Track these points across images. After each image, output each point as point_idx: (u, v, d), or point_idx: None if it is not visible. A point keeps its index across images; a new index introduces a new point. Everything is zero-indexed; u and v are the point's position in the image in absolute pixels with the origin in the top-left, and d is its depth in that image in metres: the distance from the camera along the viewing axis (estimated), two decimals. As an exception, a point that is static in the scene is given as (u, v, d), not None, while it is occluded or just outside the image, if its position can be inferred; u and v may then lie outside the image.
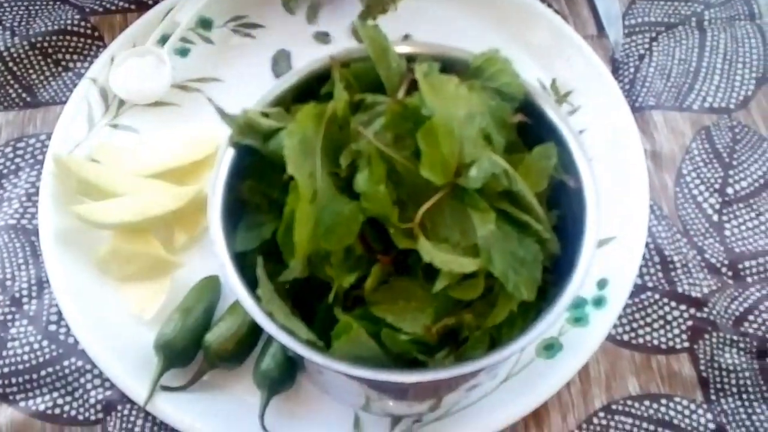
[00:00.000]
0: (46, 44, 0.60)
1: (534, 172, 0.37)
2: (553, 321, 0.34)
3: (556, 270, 0.38)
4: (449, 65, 0.39)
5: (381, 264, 0.36)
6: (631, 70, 0.58)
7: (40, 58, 0.59)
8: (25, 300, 0.50)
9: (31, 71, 0.59)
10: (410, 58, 0.40)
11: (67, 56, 0.60)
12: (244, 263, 0.37)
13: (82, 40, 0.60)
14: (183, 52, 0.59)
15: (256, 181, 0.38)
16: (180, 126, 0.56)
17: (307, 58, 0.58)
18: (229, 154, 0.38)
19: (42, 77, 0.59)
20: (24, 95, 0.58)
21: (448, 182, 0.35)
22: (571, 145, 0.38)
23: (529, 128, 0.39)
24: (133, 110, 0.57)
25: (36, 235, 0.51)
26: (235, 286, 0.35)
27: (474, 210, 0.35)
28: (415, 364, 0.35)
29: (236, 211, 0.39)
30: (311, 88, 0.41)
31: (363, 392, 0.41)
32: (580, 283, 0.35)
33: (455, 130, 0.34)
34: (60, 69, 0.59)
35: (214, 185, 0.37)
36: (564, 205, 0.39)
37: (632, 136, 0.54)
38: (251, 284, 0.36)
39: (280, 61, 0.59)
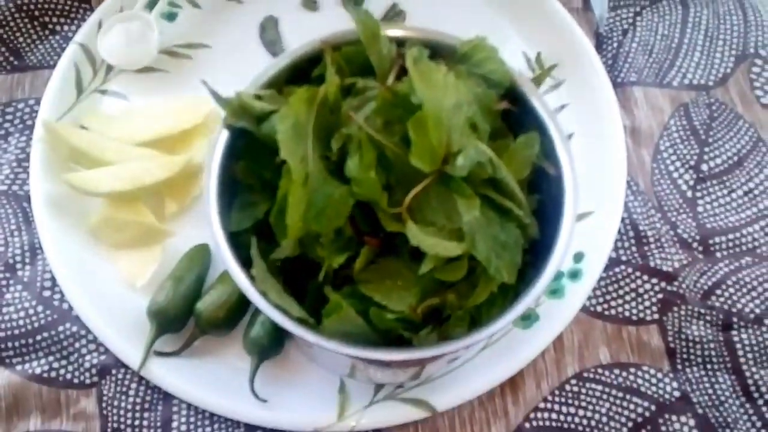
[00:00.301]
0: (32, 6, 0.59)
1: (517, 160, 0.38)
2: (530, 302, 0.36)
3: (535, 252, 0.40)
4: (437, 50, 0.40)
5: (369, 246, 0.38)
6: (615, 45, 0.59)
7: (27, 20, 0.59)
8: (18, 266, 0.51)
9: (18, 34, 0.59)
10: (400, 42, 0.41)
11: (54, 19, 0.59)
12: (238, 242, 0.38)
13: (69, 2, 0.60)
14: (170, 17, 0.59)
15: (250, 161, 0.39)
16: (169, 93, 0.57)
17: (295, 24, 0.60)
18: (224, 135, 0.39)
19: (29, 40, 0.59)
20: (11, 59, 0.58)
21: (436, 169, 0.36)
22: (553, 133, 0.40)
23: (513, 114, 0.41)
24: (122, 76, 0.57)
25: (28, 201, 0.52)
26: (231, 267, 0.37)
27: (460, 196, 0.36)
28: (401, 339, 0.37)
29: (231, 189, 0.40)
30: (303, 70, 0.41)
31: (349, 363, 0.43)
32: (556, 267, 0.37)
33: (444, 119, 0.35)
34: (47, 32, 0.59)
35: (210, 167, 0.38)
36: (544, 191, 0.41)
37: (613, 112, 0.55)
38: (245, 263, 0.37)
39: (268, 28, 0.59)
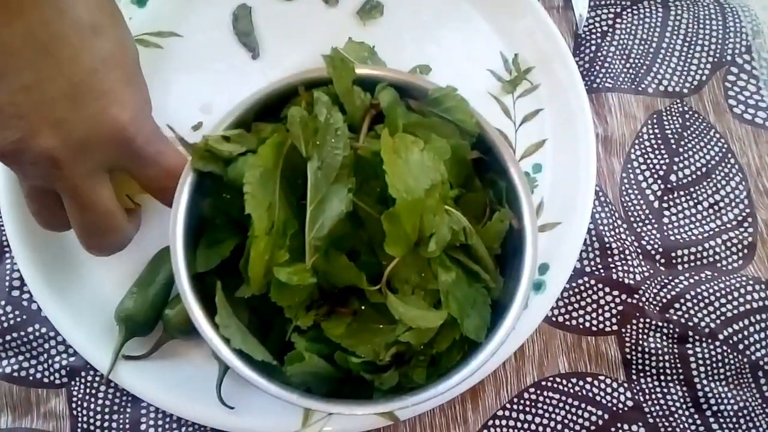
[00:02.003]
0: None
1: (492, 233, 0.39)
2: (487, 356, 0.37)
3: (495, 304, 0.41)
4: (409, 92, 0.40)
5: (340, 314, 0.38)
6: (593, 48, 0.59)
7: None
8: (-14, 265, 0.51)
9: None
10: (374, 81, 0.41)
11: None
12: (204, 280, 0.38)
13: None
14: (140, 2, 0.57)
15: (217, 200, 0.39)
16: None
17: (270, 14, 0.58)
18: (190, 176, 0.39)
19: None
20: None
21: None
22: (518, 186, 0.40)
23: (482, 161, 0.41)
24: (90, 64, 0.56)
25: (-5, 197, 0.52)
26: (194, 317, 0.37)
27: (434, 264, 0.37)
28: (361, 379, 0.38)
29: (199, 224, 0.40)
30: (273, 107, 0.41)
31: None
32: (512, 325, 0.38)
33: (417, 207, 0.36)
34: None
35: (176, 208, 0.38)
36: (505, 241, 0.41)
37: (586, 121, 0.55)
38: (211, 299, 0.38)
39: (241, 17, 0.58)
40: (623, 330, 0.53)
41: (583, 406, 0.51)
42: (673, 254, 0.54)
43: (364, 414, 0.37)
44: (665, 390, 0.52)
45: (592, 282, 0.53)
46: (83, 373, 0.50)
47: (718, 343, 0.52)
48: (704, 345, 0.52)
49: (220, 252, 0.38)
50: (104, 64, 0.37)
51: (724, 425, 0.51)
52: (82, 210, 0.39)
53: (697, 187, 0.56)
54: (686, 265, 0.54)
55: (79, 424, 0.49)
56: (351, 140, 0.38)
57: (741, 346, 0.52)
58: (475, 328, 0.37)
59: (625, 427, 0.51)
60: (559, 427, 0.51)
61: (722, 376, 0.52)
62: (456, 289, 0.37)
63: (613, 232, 0.54)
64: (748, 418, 0.51)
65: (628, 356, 0.52)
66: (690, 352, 0.52)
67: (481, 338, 0.38)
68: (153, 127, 0.41)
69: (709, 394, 0.51)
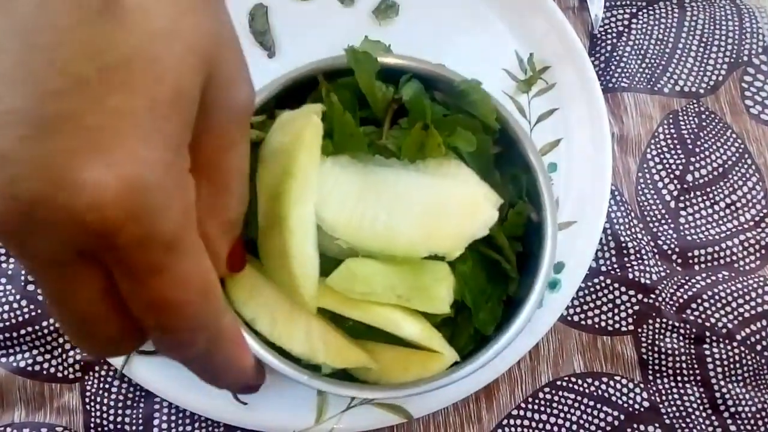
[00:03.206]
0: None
1: (512, 223, 0.39)
2: (500, 350, 0.37)
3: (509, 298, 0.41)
4: (434, 83, 0.40)
5: None
6: (608, 48, 0.59)
7: None
8: (2, 258, 0.51)
9: None
10: (399, 71, 0.41)
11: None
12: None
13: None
14: (158, 1, 0.58)
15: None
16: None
17: (286, 14, 0.58)
18: None
19: None
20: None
21: None
22: (540, 180, 0.40)
23: (503, 155, 0.41)
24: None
25: (11, 191, 0.52)
26: None
27: None
28: None
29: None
30: (295, 93, 0.41)
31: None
32: (526, 320, 0.38)
33: None
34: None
35: None
36: (524, 236, 0.41)
37: (602, 120, 0.55)
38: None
39: (257, 17, 0.58)
40: (639, 330, 0.52)
41: (598, 406, 0.51)
42: (690, 254, 0.54)
43: (371, 398, 0.37)
44: (682, 391, 0.51)
45: (608, 281, 0.53)
46: (97, 368, 0.50)
47: (735, 344, 0.52)
48: (721, 346, 0.52)
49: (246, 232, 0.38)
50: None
51: (742, 427, 0.50)
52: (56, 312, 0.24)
53: (713, 188, 0.56)
54: (703, 266, 0.54)
55: (92, 419, 0.49)
56: (374, 135, 0.38)
57: (759, 347, 0.51)
58: (487, 322, 0.37)
59: (642, 428, 0.50)
60: (574, 427, 0.50)
61: (740, 377, 0.51)
62: (471, 279, 0.37)
63: (629, 232, 0.54)
64: (766, 420, 0.50)
65: (645, 356, 0.52)
66: (707, 352, 0.52)
67: (489, 332, 0.38)
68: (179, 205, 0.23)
69: (727, 395, 0.51)
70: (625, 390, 0.51)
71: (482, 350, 0.38)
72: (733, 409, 0.51)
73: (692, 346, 0.52)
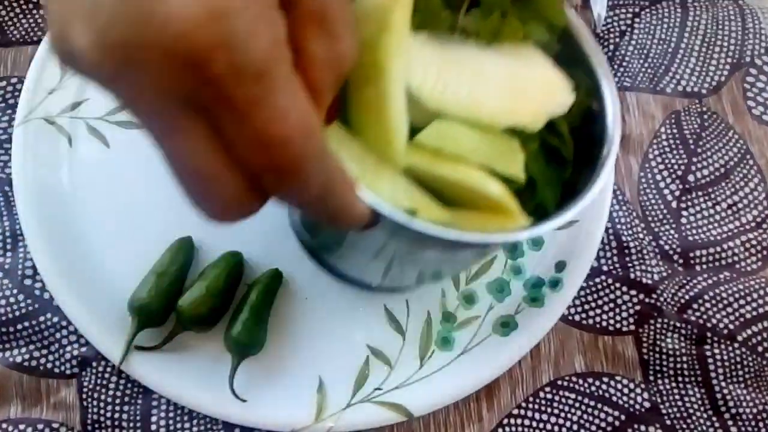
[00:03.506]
0: (15, -23, 0.57)
1: (573, 113, 0.39)
2: (575, 213, 0.36)
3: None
4: None
5: None
6: (611, 47, 0.59)
7: (9, -8, 0.57)
8: (-1, 252, 0.51)
9: (0, 7, 0.57)
10: None
11: (38, -10, 0.58)
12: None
13: (53, -26, 0.58)
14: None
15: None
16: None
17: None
18: None
19: (12, 14, 0.57)
20: (-7, 32, 0.57)
21: None
22: (599, 73, 0.40)
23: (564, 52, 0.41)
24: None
25: (9, 184, 0.52)
26: None
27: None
28: None
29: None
30: None
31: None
32: (587, 202, 0.37)
33: None
34: (31, 6, 0.57)
35: None
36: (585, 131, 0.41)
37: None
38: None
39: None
40: (641, 330, 0.52)
41: (599, 406, 0.51)
42: (692, 255, 0.54)
43: (471, 241, 0.35)
44: (683, 392, 0.51)
45: (610, 281, 0.53)
46: (94, 364, 0.49)
47: (736, 345, 0.51)
48: (723, 347, 0.51)
49: None
50: None
51: (743, 428, 0.50)
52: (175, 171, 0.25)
53: (715, 188, 0.56)
54: (704, 266, 0.54)
55: (89, 415, 0.48)
56: (452, 16, 0.37)
57: (760, 348, 0.51)
58: (549, 199, 0.37)
59: (642, 428, 0.50)
60: (575, 427, 0.50)
61: (741, 379, 0.51)
62: (536, 159, 0.37)
63: (630, 232, 0.54)
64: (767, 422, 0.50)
65: (646, 357, 0.52)
66: (708, 353, 0.51)
67: (551, 208, 0.37)
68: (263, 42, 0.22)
69: (728, 397, 0.51)
70: (626, 390, 0.51)
71: (561, 209, 0.37)
72: (734, 411, 0.50)
73: (693, 347, 0.52)
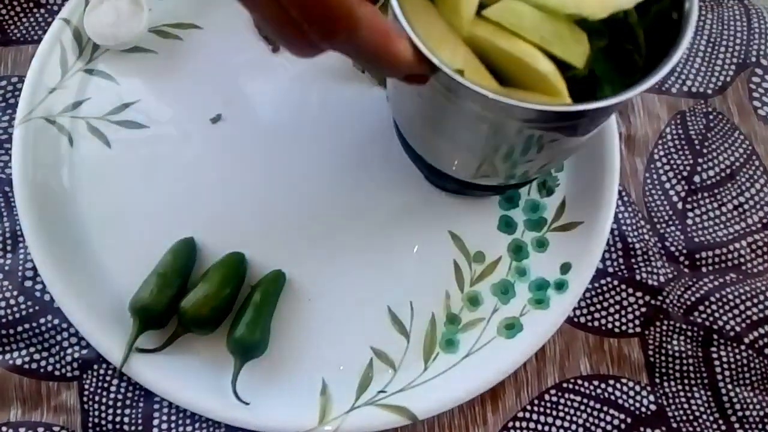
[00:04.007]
0: (15, -24, 0.57)
1: (651, 18, 0.39)
2: (663, 75, 0.35)
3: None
4: None
5: None
6: (616, 47, 0.58)
7: (10, -9, 0.57)
8: (-1, 253, 0.51)
9: (0, 6, 0.56)
10: None
11: (39, -10, 0.57)
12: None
13: (54, -27, 0.57)
14: (161, -7, 0.57)
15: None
16: (158, 75, 0.55)
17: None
18: None
19: (12, 13, 0.56)
20: (-7, 32, 0.56)
21: None
22: None
23: None
24: (109, 55, 0.55)
25: (9, 185, 0.51)
26: None
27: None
28: None
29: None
30: None
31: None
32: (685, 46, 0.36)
33: None
34: (31, 5, 0.57)
35: None
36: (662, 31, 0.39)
37: (609, 120, 0.54)
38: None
39: (262, 11, 0.57)
40: (646, 332, 0.52)
41: (605, 409, 0.50)
42: (697, 256, 0.53)
43: (536, 109, 0.35)
44: (689, 394, 0.51)
45: (615, 283, 0.52)
46: (95, 366, 0.49)
47: (743, 347, 0.51)
48: (729, 349, 0.51)
49: None
50: None
51: (750, 431, 0.50)
52: None
53: (721, 189, 0.55)
54: (710, 268, 0.53)
55: (90, 419, 0.48)
56: None
57: (767, 351, 0.51)
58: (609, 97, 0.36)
59: (648, 431, 0.50)
60: (580, 430, 0.50)
61: (747, 381, 0.51)
62: (603, 57, 0.37)
63: (636, 233, 0.53)
64: (774, 424, 0.50)
65: (652, 359, 0.51)
66: (714, 355, 0.51)
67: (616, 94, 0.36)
68: None
69: (734, 399, 0.50)
70: (631, 393, 0.51)
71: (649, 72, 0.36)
72: (740, 413, 0.50)
73: (699, 349, 0.51)
